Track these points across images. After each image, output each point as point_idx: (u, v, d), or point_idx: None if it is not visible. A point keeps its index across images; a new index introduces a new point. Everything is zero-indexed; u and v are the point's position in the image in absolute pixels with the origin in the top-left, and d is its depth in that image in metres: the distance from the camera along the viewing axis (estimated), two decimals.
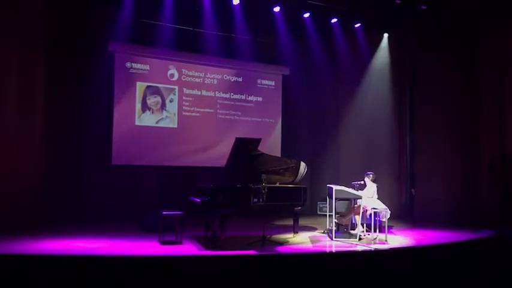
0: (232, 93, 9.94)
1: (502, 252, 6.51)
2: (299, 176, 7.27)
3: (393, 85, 10.21)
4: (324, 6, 8.95)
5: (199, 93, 9.59)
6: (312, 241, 6.74)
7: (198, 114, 9.54)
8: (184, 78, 9.47)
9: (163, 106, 9.26)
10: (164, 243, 6.17)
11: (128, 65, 8.93)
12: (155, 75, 9.18)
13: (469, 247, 6.74)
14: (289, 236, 7.03)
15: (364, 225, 7.11)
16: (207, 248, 5.94)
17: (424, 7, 8.87)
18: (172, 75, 9.36)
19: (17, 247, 5.70)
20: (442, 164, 8.95)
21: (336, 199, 6.76)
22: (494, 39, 8.32)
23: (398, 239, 6.98)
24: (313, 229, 7.84)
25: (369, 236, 6.95)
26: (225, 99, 9.86)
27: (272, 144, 10.05)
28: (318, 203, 9.66)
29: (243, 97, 10.06)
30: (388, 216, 6.89)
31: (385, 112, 10.16)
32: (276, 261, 5.66)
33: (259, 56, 9.86)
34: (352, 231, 7.11)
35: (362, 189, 7.25)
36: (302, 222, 7.85)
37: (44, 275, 4.83)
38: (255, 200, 6.27)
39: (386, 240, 6.66)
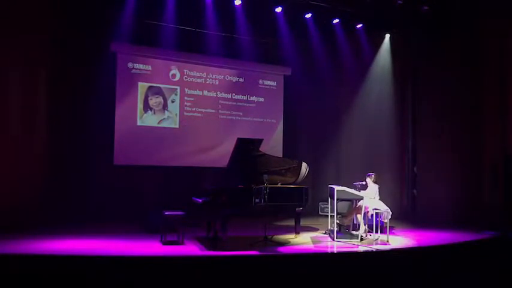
0: (233, 94, 9.94)
1: (504, 253, 6.50)
2: (301, 177, 7.27)
3: (395, 86, 10.20)
4: (326, 7, 8.95)
5: (200, 93, 9.60)
6: (314, 242, 6.74)
7: (199, 115, 9.55)
8: (186, 78, 9.48)
9: (165, 106, 9.27)
10: (166, 243, 6.17)
11: (130, 65, 8.94)
12: (157, 75, 9.19)
13: (471, 248, 6.72)
14: (290, 237, 7.03)
15: (366, 225, 7.10)
16: (209, 248, 5.94)
17: (425, 7, 8.88)
18: (174, 76, 9.37)
19: (18, 247, 5.70)
20: (444, 164, 8.95)
21: (337, 200, 6.77)
22: (497, 39, 8.30)
23: (399, 240, 6.97)
24: (315, 230, 7.85)
25: (370, 237, 6.95)
26: (227, 99, 9.86)
27: (274, 145, 10.06)
28: (320, 203, 9.65)
29: (245, 97, 10.06)
30: (390, 217, 6.89)
31: (387, 112, 10.15)
32: (277, 262, 5.66)
33: (261, 57, 9.87)
34: (354, 232, 7.11)
35: (364, 190, 7.25)
36: (304, 222, 7.85)
37: (45, 275, 4.83)
38: (257, 200, 6.27)
39: (388, 241, 6.65)
